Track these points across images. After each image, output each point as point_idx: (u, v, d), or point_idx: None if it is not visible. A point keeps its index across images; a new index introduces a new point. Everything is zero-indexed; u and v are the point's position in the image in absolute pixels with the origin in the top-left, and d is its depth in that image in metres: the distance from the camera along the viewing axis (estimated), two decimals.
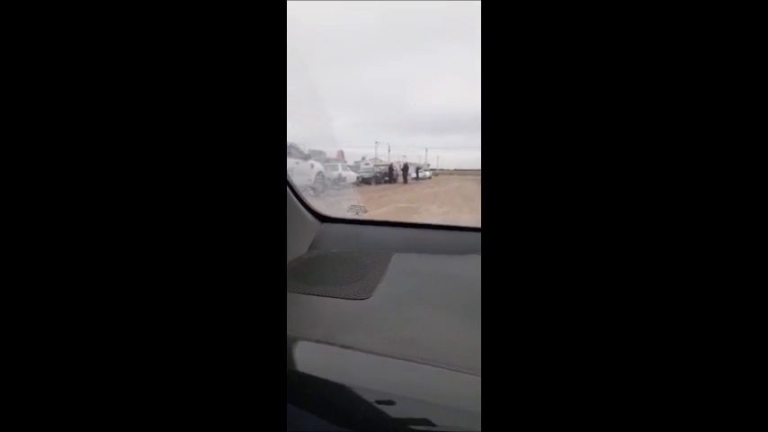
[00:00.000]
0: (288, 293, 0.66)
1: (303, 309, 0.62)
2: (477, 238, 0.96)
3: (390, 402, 0.41)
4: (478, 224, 0.88)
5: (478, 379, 0.42)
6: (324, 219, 1.03)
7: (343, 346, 0.49)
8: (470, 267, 0.80)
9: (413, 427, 0.39)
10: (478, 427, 0.36)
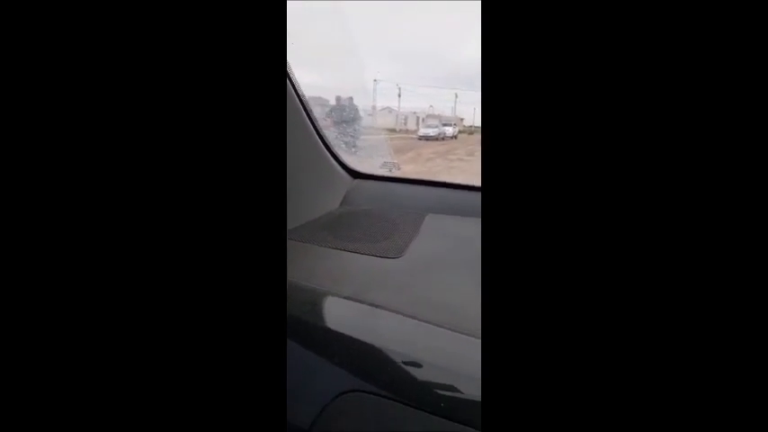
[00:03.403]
0: (317, 247, 0.77)
1: (332, 263, 0.71)
2: None
3: (417, 365, 0.46)
4: None
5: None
6: (356, 175, 1.16)
7: (371, 305, 0.55)
8: None
9: (438, 391, 0.44)
10: None
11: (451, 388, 0.44)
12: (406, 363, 0.46)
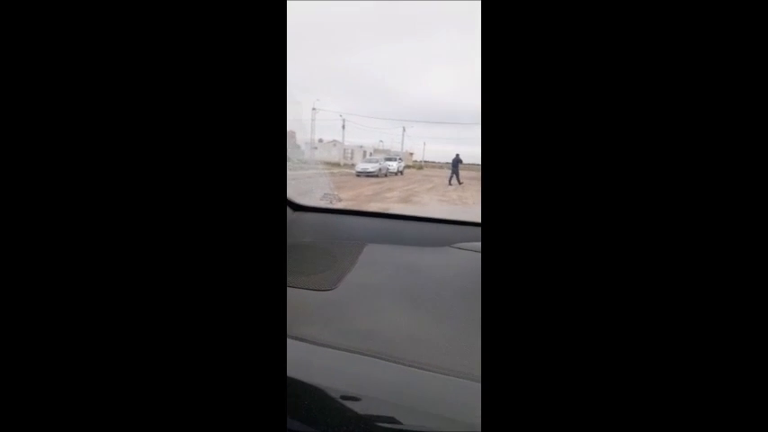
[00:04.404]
0: None
1: None
2: (451, 230, 1.16)
3: (341, 397, 0.47)
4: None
5: (434, 375, 0.51)
6: (297, 207, 1.16)
7: (296, 338, 0.57)
8: (443, 260, 0.96)
9: (361, 424, 0.45)
10: (437, 426, 0.45)
11: (382, 418, 0.45)
12: (326, 395, 0.47)
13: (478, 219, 1.10)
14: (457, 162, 11.35)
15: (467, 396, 0.48)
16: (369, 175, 11.68)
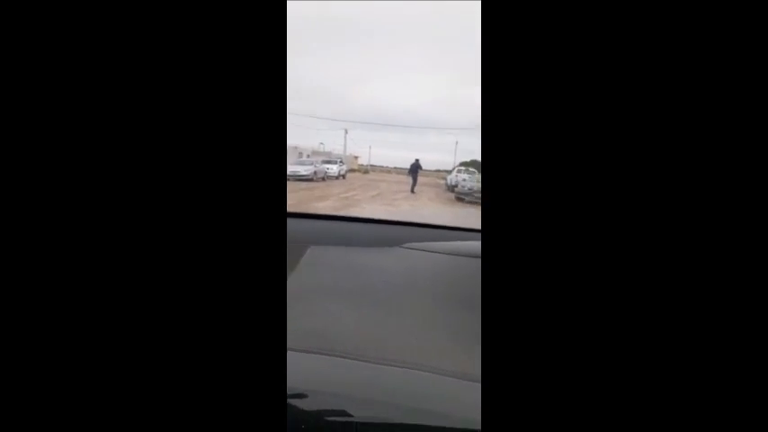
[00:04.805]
0: None
1: None
2: (400, 231, 1.17)
3: (288, 396, 0.44)
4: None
5: (378, 367, 0.53)
6: None
7: None
8: (392, 259, 0.97)
9: (310, 419, 0.45)
10: (389, 415, 0.46)
11: (329, 412, 0.46)
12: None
13: (432, 222, 1.12)
14: (416, 168, 10.62)
15: (418, 386, 0.51)
16: (300, 178, 10.63)
